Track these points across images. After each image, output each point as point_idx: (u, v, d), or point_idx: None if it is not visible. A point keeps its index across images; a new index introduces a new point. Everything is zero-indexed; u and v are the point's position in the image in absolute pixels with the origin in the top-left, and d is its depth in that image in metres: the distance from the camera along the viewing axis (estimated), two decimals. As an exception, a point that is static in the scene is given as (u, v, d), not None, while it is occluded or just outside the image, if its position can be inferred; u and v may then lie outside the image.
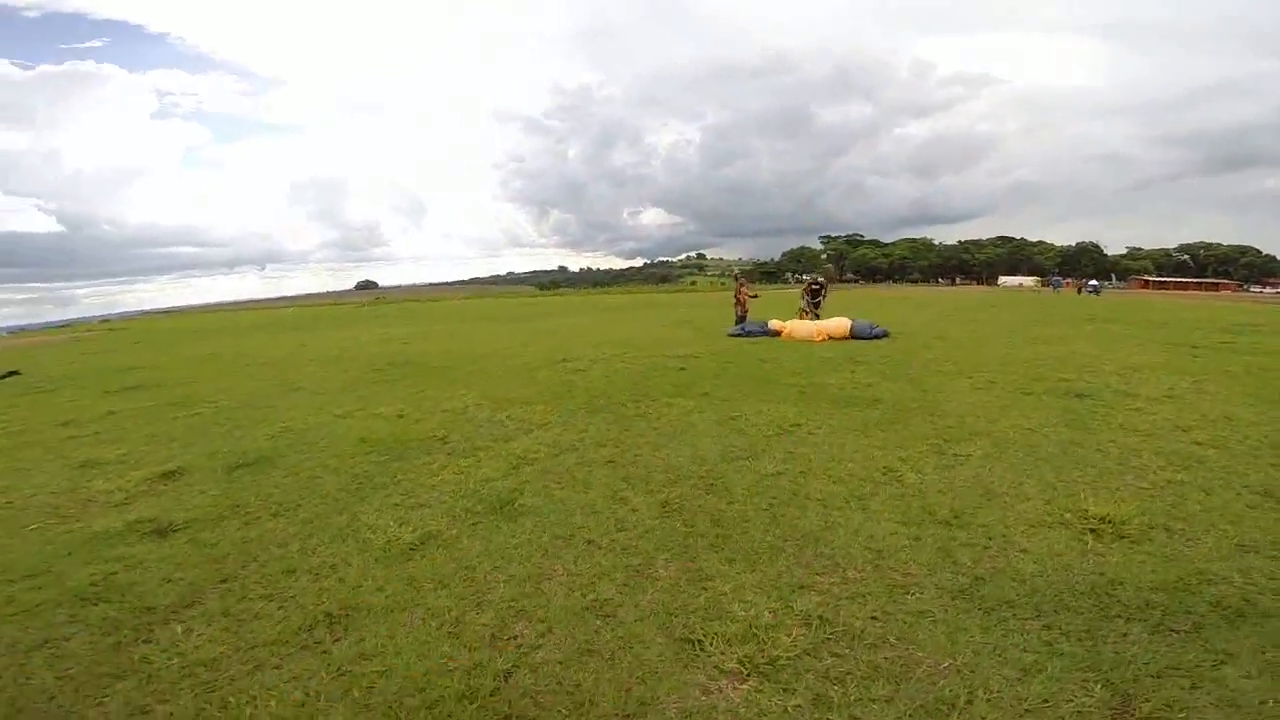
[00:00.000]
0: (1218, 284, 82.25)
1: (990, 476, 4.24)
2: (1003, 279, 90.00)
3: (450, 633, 2.64)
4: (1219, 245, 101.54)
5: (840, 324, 13.09)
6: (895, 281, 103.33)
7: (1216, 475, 4.17)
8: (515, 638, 2.59)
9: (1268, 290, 76.27)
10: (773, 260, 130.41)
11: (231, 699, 2.30)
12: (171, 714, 2.25)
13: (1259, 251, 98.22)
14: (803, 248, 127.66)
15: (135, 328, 42.41)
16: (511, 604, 2.85)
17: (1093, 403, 6.40)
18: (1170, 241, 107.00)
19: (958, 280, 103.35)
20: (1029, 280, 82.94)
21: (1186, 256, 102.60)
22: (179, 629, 2.78)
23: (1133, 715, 2.05)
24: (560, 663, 2.41)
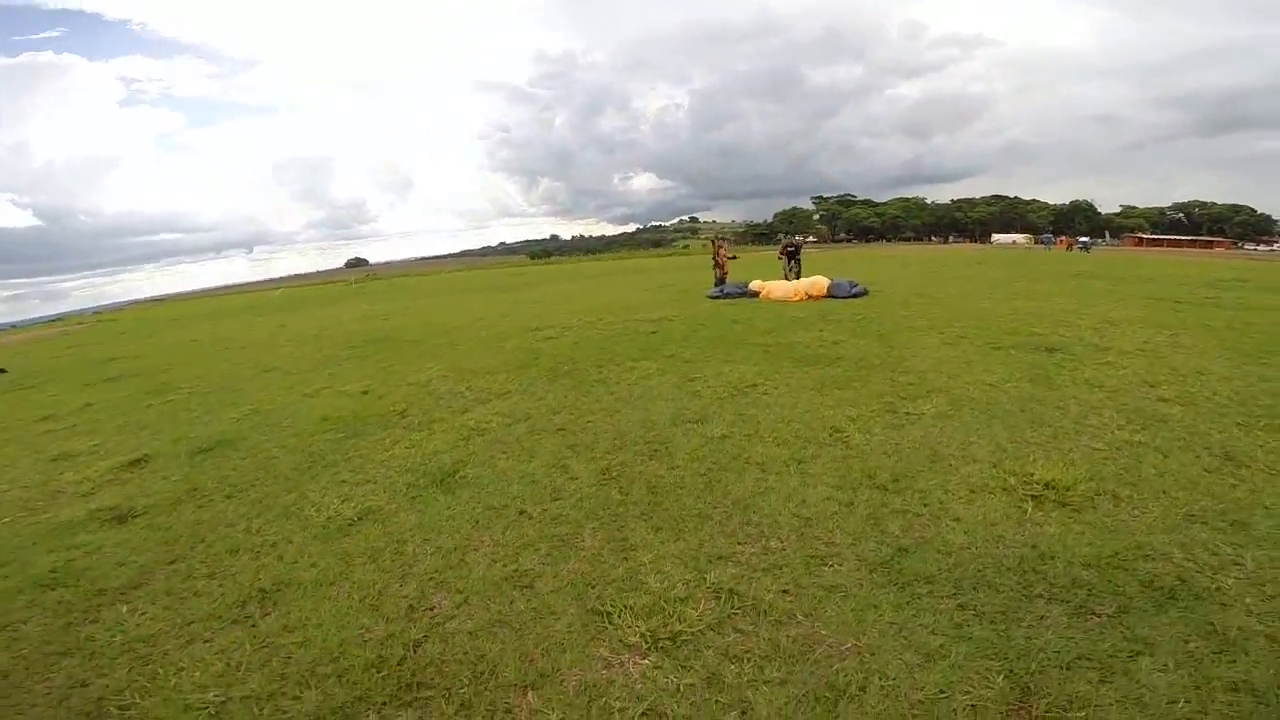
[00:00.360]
0: (1212, 242, 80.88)
1: (940, 437, 4.14)
2: (996, 237, 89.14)
3: (371, 605, 2.72)
4: (1213, 204, 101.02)
5: (818, 283, 13.06)
6: (889, 240, 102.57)
7: (1178, 435, 4.00)
8: (432, 609, 2.66)
9: (1262, 248, 74.96)
10: (765, 222, 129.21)
11: (160, 670, 2.42)
12: (107, 685, 2.38)
13: (1253, 210, 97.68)
14: (795, 209, 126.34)
15: (124, 318, 42.36)
16: (434, 576, 2.90)
17: (1062, 357, 6.27)
18: (1164, 201, 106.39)
19: (951, 239, 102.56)
20: (1021, 238, 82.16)
21: (1181, 215, 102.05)
22: (124, 609, 2.90)
23: (1029, 712, 1.92)
24: (470, 633, 2.47)
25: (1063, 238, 61.72)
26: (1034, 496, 3.21)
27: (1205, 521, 2.93)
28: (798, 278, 15.17)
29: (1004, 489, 3.32)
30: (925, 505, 3.21)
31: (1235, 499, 3.13)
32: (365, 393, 6.84)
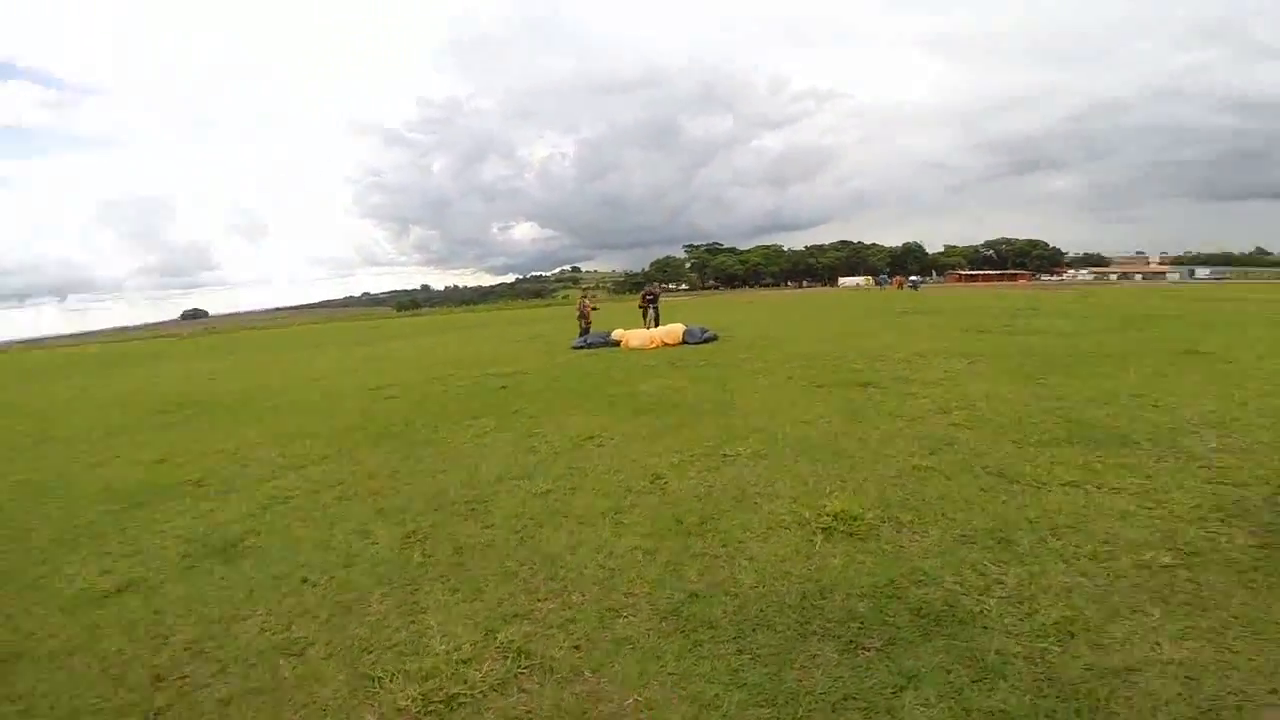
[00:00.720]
0: (1015, 275, 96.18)
1: (750, 477, 4.25)
2: (842, 280, 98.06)
3: (114, 675, 2.57)
4: (1016, 240, 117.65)
5: (673, 330, 13.65)
6: (751, 286, 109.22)
7: (961, 458, 4.27)
8: (184, 678, 2.51)
9: (1054, 278, 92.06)
10: (643, 270, 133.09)
11: None
12: None
13: (1046, 245, 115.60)
14: (668, 257, 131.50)
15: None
16: (191, 646, 2.76)
17: (874, 391, 6.80)
18: (978, 238, 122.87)
19: (804, 283, 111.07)
20: (864, 280, 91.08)
21: (991, 251, 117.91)
22: None
23: None
24: (221, 700, 2.34)
25: (897, 278, 69.19)
26: (824, 529, 3.28)
27: (975, 541, 3.06)
28: (656, 325, 15.76)
29: (799, 523, 3.40)
30: (724, 546, 3.23)
31: (1003, 516, 3.33)
32: (161, 461, 6.18)
